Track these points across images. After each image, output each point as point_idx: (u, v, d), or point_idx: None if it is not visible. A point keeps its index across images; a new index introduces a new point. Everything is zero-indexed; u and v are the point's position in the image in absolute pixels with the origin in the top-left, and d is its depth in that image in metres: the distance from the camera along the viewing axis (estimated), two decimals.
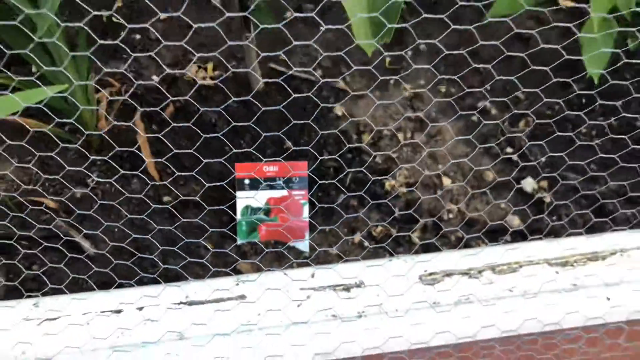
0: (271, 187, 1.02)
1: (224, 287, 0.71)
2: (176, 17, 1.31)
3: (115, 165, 1.06)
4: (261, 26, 0.60)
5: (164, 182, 1.07)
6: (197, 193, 1.07)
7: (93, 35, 0.61)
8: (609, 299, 0.73)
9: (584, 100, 1.21)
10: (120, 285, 0.76)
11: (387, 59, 1.28)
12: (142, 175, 1.07)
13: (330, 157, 1.12)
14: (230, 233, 1.02)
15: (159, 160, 1.09)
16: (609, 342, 0.74)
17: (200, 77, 1.24)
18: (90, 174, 1.07)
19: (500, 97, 1.23)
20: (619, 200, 1.06)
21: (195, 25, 0.57)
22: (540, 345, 0.71)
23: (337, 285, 0.72)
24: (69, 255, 0.93)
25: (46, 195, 1.04)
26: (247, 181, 1.02)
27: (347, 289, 0.72)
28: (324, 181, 1.07)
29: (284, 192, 1.02)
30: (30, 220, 0.98)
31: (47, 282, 0.91)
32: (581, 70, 1.08)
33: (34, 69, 1.19)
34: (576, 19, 1.30)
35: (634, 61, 1.17)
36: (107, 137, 1.08)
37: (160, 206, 1.04)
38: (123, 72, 1.23)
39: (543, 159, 1.12)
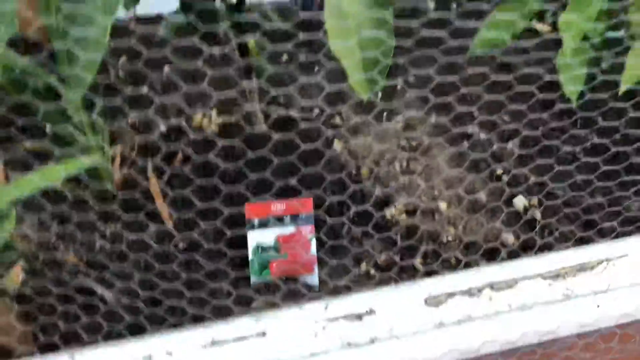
0: (280, 225, 1.09)
1: (246, 326, 0.77)
2: (179, 68, 1.39)
3: (130, 216, 1.13)
4: (276, 94, 0.67)
5: (179, 228, 1.14)
6: (210, 236, 1.13)
7: (133, 96, 0.68)
8: (598, 306, 0.79)
9: (567, 120, 1.29)
10: (147, 331, 0.82)
11: (379, 94, 1.36)
12: (158, 224, 1.14)
13: (332, 190, 1.19)
14: (244, 272, 1.09)
15: (173, 207, 1.16)
16: (603, 346, 0.80)
17: (206, 125, 1.32)
18: (108, 226, 1.14)
19: (488, 121, 1.30)
20: (604, 213, 1.13)
21: (217, 94, 0.64)
22: (539, 354, 0.77)
23: (350, 315, 0.79)
24: (94, 306, 1.00)
25: (68, 250, 1.11)
26: (256, 221, 1.09)
27: (359, 317, 0.79)
28: (328, 215, 1.14)
29: (292, 229, 1.09)
30: (55, 276, 1.04)
31: (79, 334, 0.97)
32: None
33: (47, 131, 1.27)
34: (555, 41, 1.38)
35: (600, 96, 1.24)
36: (122, 189, 1.15)
37: (176, 251, 1.11)
38: (132, 123, 1.31)
39: (532, 178, 1.19)
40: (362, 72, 0.82)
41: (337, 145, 1.29)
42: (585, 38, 1.14)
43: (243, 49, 1.18)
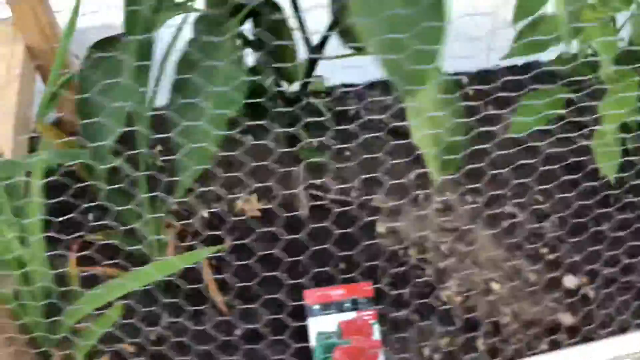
0: (340, 310, 1.08)
1: None
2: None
3: (185, 303, 1.10)
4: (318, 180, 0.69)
5: (235, 316, 1.12)
6: (267, 323, 1.11)
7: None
8: None
9: (597, 197, 1.34)
10: None
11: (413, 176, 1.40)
12: (213, 312, 1.12)
13: (384, 273, 1.19)
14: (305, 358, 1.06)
15: (228, 294, 1.14)
16: None
17: (248, 209, 1.33)
18: (162, 315, 1.11)
19: (523, 201, 1.34)
20: None
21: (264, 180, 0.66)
22: None
23: None
24: None
25: (123, 339, 1.07)
26: (316, 307, 1.08)
27: None
28: (383, 299, 1.14)
29: (353, 314, 1.08)
30: None
31: None
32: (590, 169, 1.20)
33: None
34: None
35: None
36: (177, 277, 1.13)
37: (232, 339, 1.08)
38: (175, 211, 1.31)
39: (576, 255, 1.22)
40: (438, 160, 0.86)
41: (380, 227, 1.31)
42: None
43: (292, 137, 1.22)
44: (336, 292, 1.09)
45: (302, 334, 1.08)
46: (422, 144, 0.83)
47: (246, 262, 1.18)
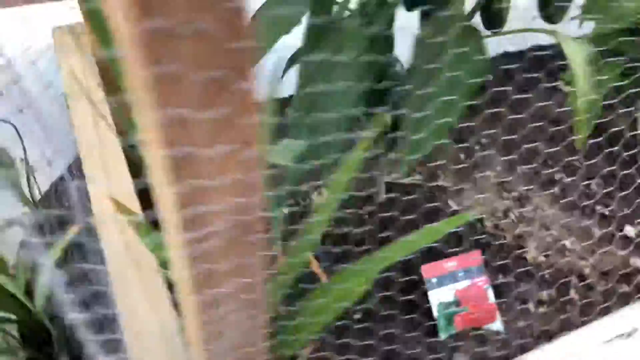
0: (455, 280, 1.16)
1: None
2: None
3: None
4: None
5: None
6: (386, 302, 1.17)
7: None
8: None
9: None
10: None
11: (462, 156, 1.51)
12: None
13: (470, 245, 1.28)
14: (424, 328, 1.13)
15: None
16: None
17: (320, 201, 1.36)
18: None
19: (566, 167, 1.49)
20: None
21: None
22: None
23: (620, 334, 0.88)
24: None
25: None
26: (434, 280, 1.15)
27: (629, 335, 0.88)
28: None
29: (467, 282, 1.16)
30: None
31: None
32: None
33: None
34: None
35: None
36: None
37: (353, 322, 1.12)
38: None
39: (627, 210, 1.38)
40: (588, 124, 0.97)
41: (452, 203, 1.40)
42: None
43: None
44: (449, 264, 1.16)
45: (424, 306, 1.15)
46: (579, 111, 0.93)
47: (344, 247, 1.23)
